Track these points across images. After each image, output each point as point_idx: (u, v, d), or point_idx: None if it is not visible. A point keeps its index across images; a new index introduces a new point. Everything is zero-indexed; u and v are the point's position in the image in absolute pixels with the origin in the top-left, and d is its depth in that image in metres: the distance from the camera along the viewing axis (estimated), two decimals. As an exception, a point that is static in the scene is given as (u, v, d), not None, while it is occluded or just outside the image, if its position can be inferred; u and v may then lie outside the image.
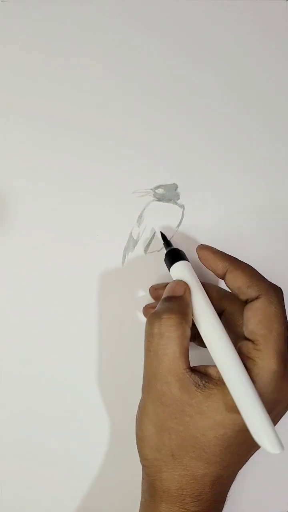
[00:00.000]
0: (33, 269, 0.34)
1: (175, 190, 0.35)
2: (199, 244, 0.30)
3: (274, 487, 0.35)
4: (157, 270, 0.34)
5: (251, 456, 0.29)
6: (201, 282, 0.30)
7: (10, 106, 0.34)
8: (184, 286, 0.28)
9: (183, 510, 0.27)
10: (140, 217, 0.34)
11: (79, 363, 0.34)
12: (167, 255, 0.31)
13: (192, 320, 0.28)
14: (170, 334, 0.26)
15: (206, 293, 0.29)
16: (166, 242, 0.33)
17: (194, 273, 0.30)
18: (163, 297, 0.29)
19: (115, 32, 0.35)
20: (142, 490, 0.29)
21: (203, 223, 0.35)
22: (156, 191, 0.35)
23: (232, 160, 0.35)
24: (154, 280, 0.34)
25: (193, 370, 0.27)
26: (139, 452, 0.29)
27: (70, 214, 0.34)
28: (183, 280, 0.29)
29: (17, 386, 0.33)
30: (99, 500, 0.33)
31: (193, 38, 0.35)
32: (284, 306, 0.27)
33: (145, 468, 0.29)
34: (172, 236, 0.34)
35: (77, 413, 0.33)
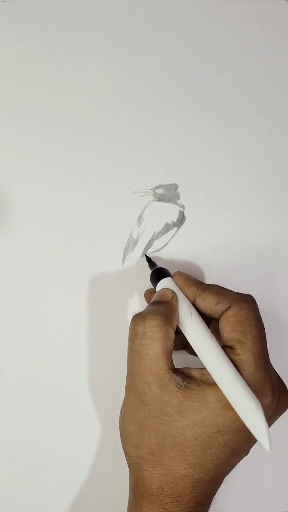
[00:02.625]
0: (33, 269, 0.34)
1: (175, 190, 0.35)
2: (177, 270, 0.31)
3: (274, 487, 0.35)
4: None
5: (236, 462, 0.29)
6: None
7: (10, 106, 0.34)
8: (171, 293, 0.29)
9: (163, 510, 0.27)
10: (140, 217, 0.34)
11: (78, 363, 0.34)
12: (152, 274, 0.32)
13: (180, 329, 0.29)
14: (153, 334, 0.27)
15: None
16: (151, 263, 0.33)
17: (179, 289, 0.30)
18: (151, 301, 0.30)
19: (115, 32, 0.35)
20: (128, 489, 0.30)
21: (203, 223, 0.35)
22: (156, 191, 0.35)
23: (233, 160, 0.35)
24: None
25: (176, 371, 0.27)
26: (123, 448, 0.29)
27: (70, 214, 0.34)
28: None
29: (16, 388, 0.33)
30: (97, 499, 0.33)
31: (193, 39, 0.35)
32: (257, 310, 0.28)
33: (129, 466, 0.29)
34: (173, 237, 0.34)
35: (75, 414, 0.34)
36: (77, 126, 0.34)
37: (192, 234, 0.35)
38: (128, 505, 0.29)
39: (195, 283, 0.29)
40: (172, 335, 0.27)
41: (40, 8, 0.34)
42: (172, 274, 0.31)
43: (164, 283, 0.30)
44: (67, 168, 0.34)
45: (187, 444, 0.26)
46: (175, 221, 0.34)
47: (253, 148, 0.35)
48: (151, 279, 0.32)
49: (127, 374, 0.29)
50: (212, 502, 0.29)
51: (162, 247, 0.34)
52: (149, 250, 0.34)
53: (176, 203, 0.35)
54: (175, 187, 0.35)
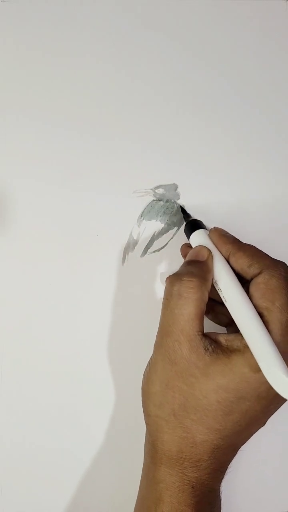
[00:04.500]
0: (33, 269, 0.34)
1: (175, 190, 0.35)
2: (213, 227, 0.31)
3: (274, 487, 0.35)
4: (157, 270, 0.34)
5: (253, 432, 0.29)
6: None
7: (10, 106, 0.34)
8: (207, 252, 0.29)
9: (181, 474, 0.27)
10: (140, 217, 0.34)
11: (79, 363, 0.34)
12: (187, 225, 0.32)
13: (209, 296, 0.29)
14: (189, 295, 0.27)
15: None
16: (186, 214, 0.33)
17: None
18: (185, 260, 0.30)
19: (115, 32, 0.35)
20: (144, 452, 0.30)
21: (203, 223, 0.35)
22: (156, 191, 0.35)
23: (232, 160, 0.35)
24: (154, 280, 0.34)
25: (205, 334, 0.27)
26: (143, 408, 0.29)
27: (70, 214, 0.34)
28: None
29: (16, 388, 0.33)
30: (98, 498, 0.33)
31: (193, 38, 0.35)
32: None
33: (148, 426, 0.29)
34: (173, 237, 0.34)
35: (76, 414, 0.34)
36: (77, 126, 0.34)
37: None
38: (143, 469, 0.29)
39: (231, 241, 0.29)
40: (206, 297, 0.28)
41: (40, 8, 0.34)
42: (209, 230, 0.31)
43: (198, 235, 0.30)
44: (67, 168, 0.34)
45: (209, 408, 0.27)
46: (175, 221, 0.35)
47: (253, 148, 0.35)
48: (185, 231, 0.32)
49: (158, 332, 0.29)
50: (227, 471, 0.29)
51: (162, 247, 0.34)
52: (149, 250, 0.34)
53: (176, 203, 0.35)
54: (175, 187, 0.35)
